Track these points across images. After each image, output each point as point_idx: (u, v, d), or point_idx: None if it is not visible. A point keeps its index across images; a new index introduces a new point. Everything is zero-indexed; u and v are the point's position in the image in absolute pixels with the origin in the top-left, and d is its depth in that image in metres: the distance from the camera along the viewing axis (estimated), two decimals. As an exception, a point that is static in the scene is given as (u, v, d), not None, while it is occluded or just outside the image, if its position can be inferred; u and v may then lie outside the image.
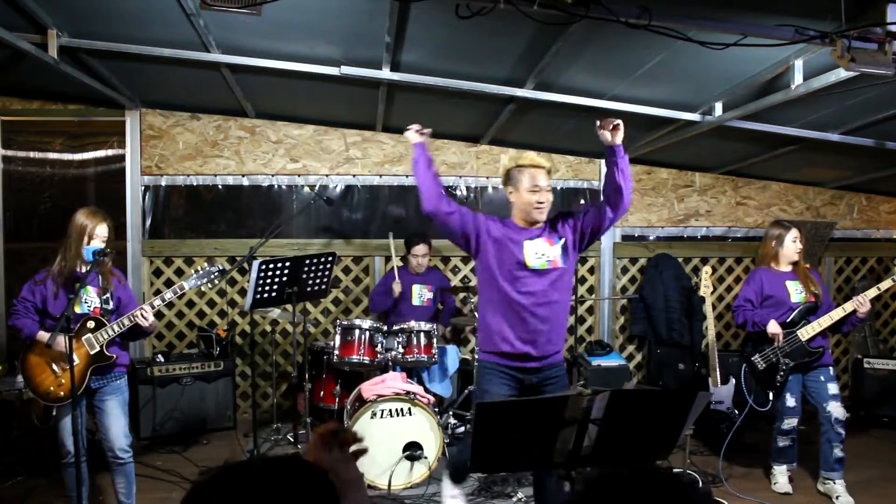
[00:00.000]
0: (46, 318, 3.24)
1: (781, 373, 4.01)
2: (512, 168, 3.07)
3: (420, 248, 5.22)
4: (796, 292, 4.08)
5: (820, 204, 6.39)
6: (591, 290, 6.18)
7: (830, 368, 4.05)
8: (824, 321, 3.94)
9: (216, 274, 3.54)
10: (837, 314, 3.94)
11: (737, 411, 4.91)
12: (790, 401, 4.02)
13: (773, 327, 4.00)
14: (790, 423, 4.04)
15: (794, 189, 6.35)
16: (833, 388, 3.99)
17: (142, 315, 3.25)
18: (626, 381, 5.25)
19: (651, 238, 6.22)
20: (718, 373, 4.97)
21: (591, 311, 6.20)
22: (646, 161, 6.04)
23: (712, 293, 4.95)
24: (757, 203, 6.33)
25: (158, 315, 5.60)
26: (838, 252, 6.38)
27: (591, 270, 6.16)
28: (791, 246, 4.10)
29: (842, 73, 3.15)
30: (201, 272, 3.52)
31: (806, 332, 3.96)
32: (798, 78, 3.40)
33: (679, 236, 6.25)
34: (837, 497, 3.94)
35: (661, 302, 5.80)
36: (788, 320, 4.03)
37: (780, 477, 4.14)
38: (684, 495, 0.89)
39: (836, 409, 3.94)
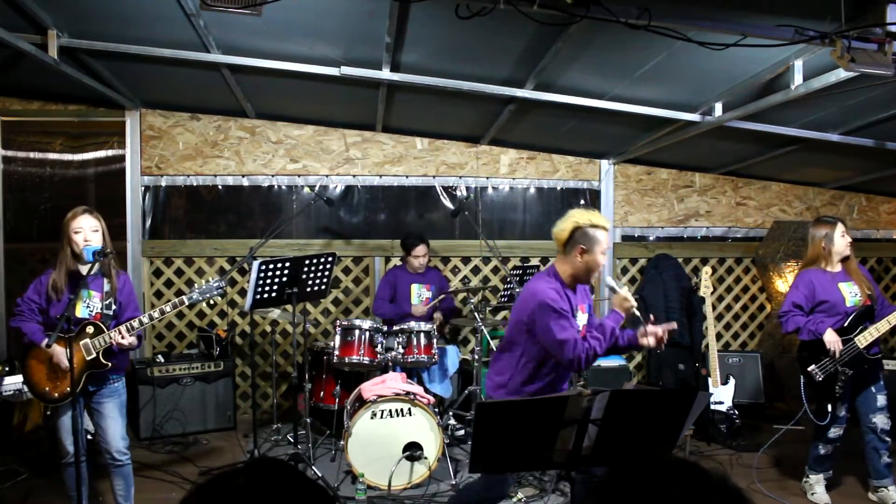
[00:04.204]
0: (48, 318, 3.24)
1: (840, 383, 3.75)
2: (586, 226, 2.83)
3: (420, 249, 5.22)
4: (851, 295, 3.83)
5: (820, 204, 6.39)
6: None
7: (880, 377, 3.86)
8: (882, 326, 3.68)
9: (219, 289, 3.48)
10: (895, 318, 3.67)
11: (737, 411, 4.93)
12: (840, 409, 3.83)
13: (831, 336, 3.71)
14: (836, 431, 3.86)
15: (794, 189, 6.35)
16: (882, 400, 3.81)
17: (118, 337, 3.18)
18: (626, 381, 5.25)
19: (651, 238, 6.22)
20: (718, 373, 4.98)
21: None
22: (646, 161, 6.04)
23: (712, 293, 4.97)
24: (757, 203, 6.33)
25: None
26: (838, 252, 6.38)
27: (591, 270, 6.15)
28: (841, 241, 3.85)
29: (842, 73, 3.15)
30: (203, 287, 3.45)
31: (864, 339, 3.70)
32: (798, 78, 3.40)
33: (679, 236, 6.25)
34: None
35: (661, 302, 5.80)
36: (844, 326, 3.77)
37: (818, 486, 3.99)
38: (713, 485, 0.90)
39: (881, 421, 3.82)
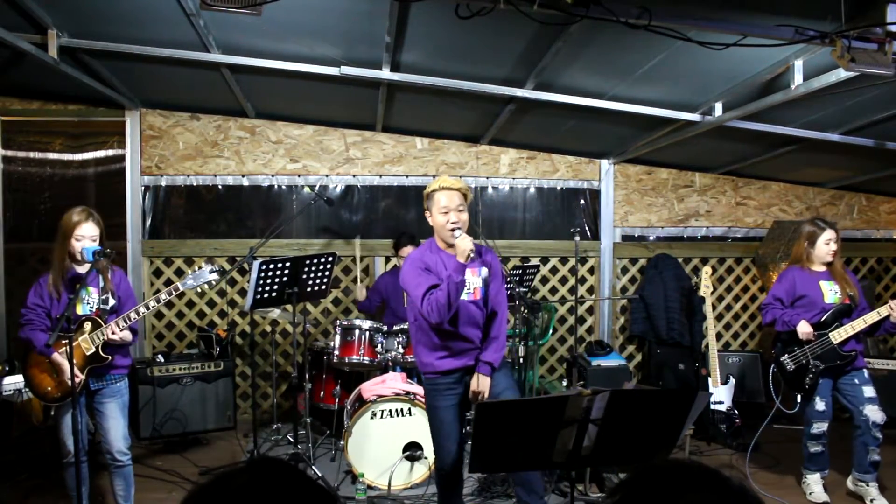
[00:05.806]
0: (50, 320, 3.24)
1: (811, 375, 3.87)
2: (427, 193, 3.21)
3: (407, 251, 5.19)
4: (830, 293, 3.93)
5: (820, 204, 6.39)
6: (591, 290, 6.18)
7: (865, 371, 3.88)
8: (858, 324, 3.77)
9: (212, 273, 3.46)
10: (872, 318, 3.75)
11: (737, 411, 4.93)
12: (820, 405, 3.87)
13: (804, 327, 3.85)
14: (820, 427, 3.91)
15: (794, 189, 6.35)
16: (869, 391, 3.83)
17: (111, 332, 3.19)
18: (626, 381, 5.25)
19: (651, 238, 6.22)
20: (718, 373, 4.98)
21: (591, 311, 6.20)
22: (646, 161, 6.04)
23: (712, 293, 4.97)
24: (757, 203, 6.34)
25: (158, 315, 5.62)
26: (838, 252, 6.39)
27: (591, 270, 6.16)
28: (823, 248, 3.93)
29: (842, 73, 3.15)
30: (196, 273, 3.43)
31: (838, 335, 3.81)
32: (798, 78, 3.40)
33: (679, 236, 6.25)
34: (872, 500, 3.84)
35: (661, 302, 5.81)
36: (821, 321, 3.88)
37: (815, 486, 4.00)
38: (730, 490, 0.90)
39: (873, 413, 3.80)
